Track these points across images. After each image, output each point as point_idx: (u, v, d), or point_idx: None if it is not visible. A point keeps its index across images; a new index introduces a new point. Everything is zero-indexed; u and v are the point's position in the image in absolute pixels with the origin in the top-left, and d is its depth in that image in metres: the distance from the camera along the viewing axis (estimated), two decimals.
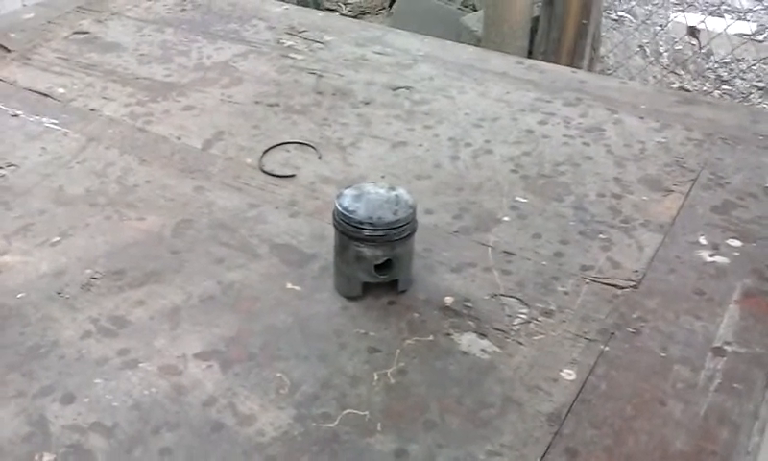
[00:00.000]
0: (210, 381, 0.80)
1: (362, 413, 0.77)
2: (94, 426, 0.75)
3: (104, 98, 1.33)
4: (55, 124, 1.26)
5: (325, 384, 0.80)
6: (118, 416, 0.76)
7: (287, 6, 1.70)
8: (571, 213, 1.06)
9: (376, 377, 0.81)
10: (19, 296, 0.91)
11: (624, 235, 1.01)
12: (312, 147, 1.20)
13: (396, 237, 0.87)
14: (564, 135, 1.23)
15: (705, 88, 3.58)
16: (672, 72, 3.65)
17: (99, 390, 0.79)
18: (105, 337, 0.85)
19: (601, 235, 1.01)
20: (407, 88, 1.36)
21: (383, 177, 1.12)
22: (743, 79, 3.66)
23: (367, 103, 1.32)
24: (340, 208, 0.88)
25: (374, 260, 0.88)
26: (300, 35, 1.54)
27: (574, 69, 1.53)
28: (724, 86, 3.62)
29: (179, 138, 1.22)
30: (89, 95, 1.34)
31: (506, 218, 1.05)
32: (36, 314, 0.88)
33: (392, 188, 0.92)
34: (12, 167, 1.14)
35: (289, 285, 0.93)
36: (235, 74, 1.40)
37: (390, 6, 4.11)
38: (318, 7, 3.64)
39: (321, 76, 1.39)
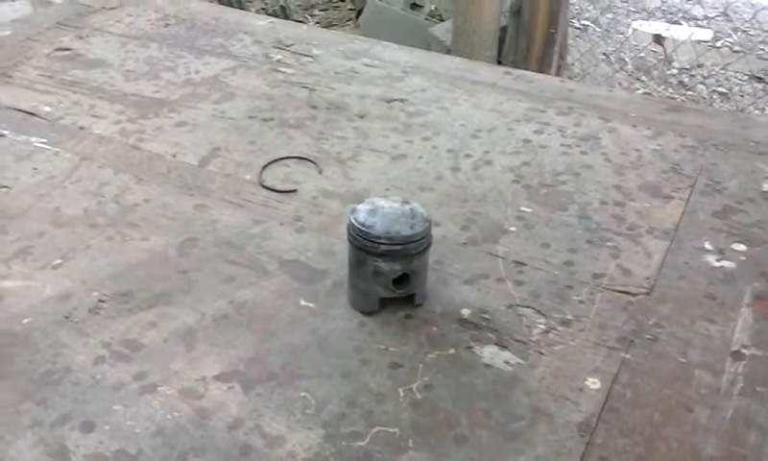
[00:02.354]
0: (233, 403, 0.78)
1: (392, 430, 0.76)
2: (118, 455, 0.73)
3: (92, 116, 1.30)
4: (44, 143, 1.23)
5: (351, 402, 0.79)
6: (142, 443, 0.74)
7: (271, 20, 1.69)
8: (576, 222, 1.06)
9: (402, 393, 0.80)
10: (25, 321, 0.88)
11: (631, 243, 1.02)
12: (312, 161, 1.18)
13: (414, 251, 0.87)
14: (562, 145, 1.24)
15: (668, 94, 3.66)
16: (637, 79, 3.72)
17: (119, 416, 0.76)
18: (119, 362, 0.83)
19: (608, 243, 1.02)
20: (401, 101, 1.35)
21: (387, 190, 1.12)
22: (704, 84, 3.75)
23: (362, 116, 1.31)
24: (356, 224, 0.87)
25: (392, 275, 0.87)
26: (287, 48, 1.53)
27: (562, 79, 1.54)
28: (687, 92, 3.70)
29: (174, 156, 1.20)
30: (77, 113, 1.31)
31: (513, 228, 1.05)
32: (45, 340, 0.86)
33: (405, 202, 0.91)
34: (3, 189, 1.11)
35: (303, 302, 0.92)
36: (226, 89, 1.38)
37: (357, 18, 4.11)
38: (287, 19, 3.63)
39: (313, 89, 1.38)
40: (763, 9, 3.39)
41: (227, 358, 0.84)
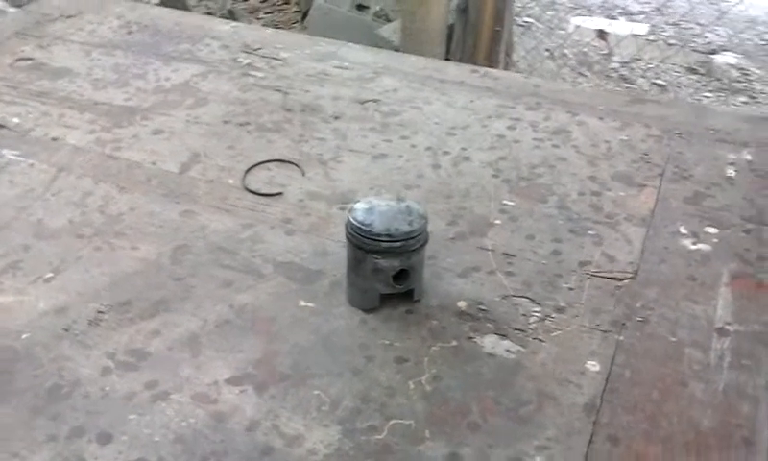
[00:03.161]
0: (248, 406, 0.79)
1: (407, 422, 0.78)
2: None
3: (64, 126, 1.28)
4: (17, 155, 1.20)
5: (364, 398, 0.80)
6: (162, 450, 0.74)
7: (235, 24, 1.69)
8: (557, 213, 1.10)
9: (412, 386, 0.82)
10: (24, 337, 0.87)
11: (611, 230, 1.06)
12: (294, 164, 1.19)
13: (413, 247, 0.89)
14: (534, 139, 1.28)
15: (609, 87, 3.76)
16: (580, 74, 3.82)
17: (134, 426, 0.76)
18: (127, 371, 0.83)
19: (590, 232, 1.06)
20: (375, 101, 1.37)
21: (372, 189, 1.14)
22: (644, 77, 3.87)
23: (337, 117, 1.33)
24: (355, 222, 0.89)
25: (391, 271, 0.89)
26: (255, 52, 1.53)
27: (526, 75, 1.58)
28: (628, 86, 3.82)
29: (153, 163, 1.19)
30: (48, 124, 1.29)
31: (498, 221, 1.08)
32: (48, 354, 0.85)
33: (400, 199, 0.93)
34: None
35: (302, 303, 0.93)
36: (198, 95, 1.38)
37: (302, 20, 4.11)
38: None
39: (287, 93, 1.39)
40: (699, 3, 3.53)
41: (234, 362, 0.84)
